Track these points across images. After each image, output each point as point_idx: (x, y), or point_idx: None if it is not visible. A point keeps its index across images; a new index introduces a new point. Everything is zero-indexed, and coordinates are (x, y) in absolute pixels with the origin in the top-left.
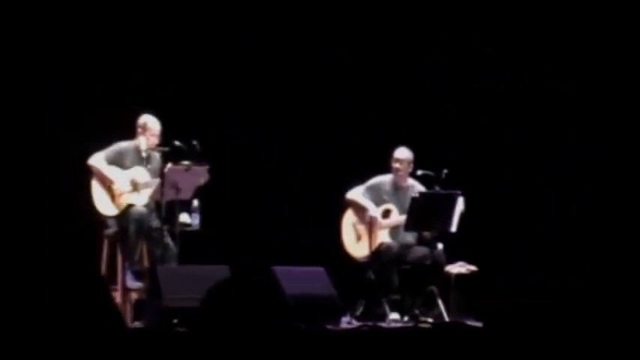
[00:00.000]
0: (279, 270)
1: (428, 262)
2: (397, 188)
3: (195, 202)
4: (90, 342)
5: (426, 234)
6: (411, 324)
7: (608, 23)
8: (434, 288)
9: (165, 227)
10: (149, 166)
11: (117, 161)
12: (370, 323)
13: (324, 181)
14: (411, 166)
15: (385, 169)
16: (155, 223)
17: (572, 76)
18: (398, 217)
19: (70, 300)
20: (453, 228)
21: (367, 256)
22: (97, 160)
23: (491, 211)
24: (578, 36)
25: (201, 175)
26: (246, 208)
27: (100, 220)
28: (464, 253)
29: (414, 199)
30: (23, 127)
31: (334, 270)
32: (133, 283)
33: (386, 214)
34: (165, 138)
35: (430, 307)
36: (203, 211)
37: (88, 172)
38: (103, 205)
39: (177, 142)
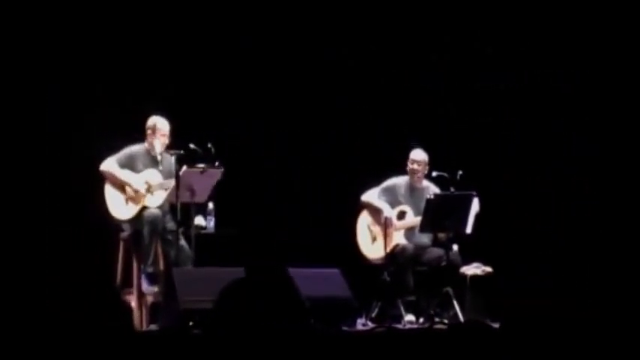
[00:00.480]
0: (295, 271)
1: (443, 263)
2: (413, 190)
3: (211, 205)
4: (103, 345)
5: (442, 235)
6: (426, 325)
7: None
8: (449, 289)
9: (180, 230)
10: (161, 168)
11: (129, 165)
12: (386, 325)
13: (338, 183)
14: (427, 167)
15: (399, 170)
16: (170, 225)
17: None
18: (413, 219)
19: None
20: (468, 229)
21: (382, 257)
22: (109, 165)
23: (506, 212)
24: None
25: (216, 177)
26: (261, 210)
27: (114, 224)
28: (479, 254)
29: (428, 201)
30: (31, 131)
31: (349, 271)
32: (147, 288)
33: (401, 215)
34: (180, 141)
35: (446, 309)
36: (218, 213)
37: (101, 178)
38: (117, 209)
39: (192, 145)
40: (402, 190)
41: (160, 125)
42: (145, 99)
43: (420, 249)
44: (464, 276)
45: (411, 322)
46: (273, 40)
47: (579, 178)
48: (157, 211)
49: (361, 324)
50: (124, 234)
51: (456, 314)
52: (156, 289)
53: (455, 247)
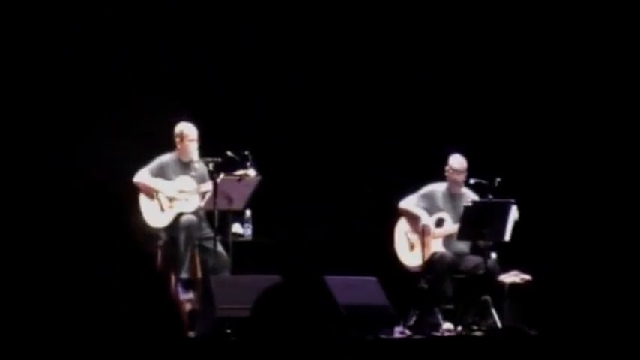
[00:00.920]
0: (332, 280)
1: (481, 271)
2: (451, 197)
3: (248, 213)
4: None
5: (480, 243)
6: (464, 333)
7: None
8: (487, 297)
9: (217, 237)
10: (193, 174)
11: (160, 174)
12: (424, 333)
13: (376, 190)
14: (466, 174)
15: (437, 176)
16: (207, 232)
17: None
18: (451, 226)
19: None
20: (507, 237)
21: (420, 265)
22: (142, 176)
23: (545, 219)
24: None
25: (253, 186)
26: (298, 218)
27: (151, 233)
28: (518, 261)
29: (467, 208)
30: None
31: (387, 279)
32: (183, 295)
33: (439, 222)
34: (217, 148)
35: (484, 317)
36: (255, 220)
37: (135, 190)
38: (153, 218)
39: (229, 153)
40: (441, 197)
41: (187, 132)
42: (179, 108)
43: (458, 257)
44: (502, 284)
45: (448, 330)
46: (312, 49)
47: (618, 185)
48: (192, 217)
49: (399, 332)
50: (160, 242)
51: (494, 322)
52: (191, 295)
53: (493, 254)
